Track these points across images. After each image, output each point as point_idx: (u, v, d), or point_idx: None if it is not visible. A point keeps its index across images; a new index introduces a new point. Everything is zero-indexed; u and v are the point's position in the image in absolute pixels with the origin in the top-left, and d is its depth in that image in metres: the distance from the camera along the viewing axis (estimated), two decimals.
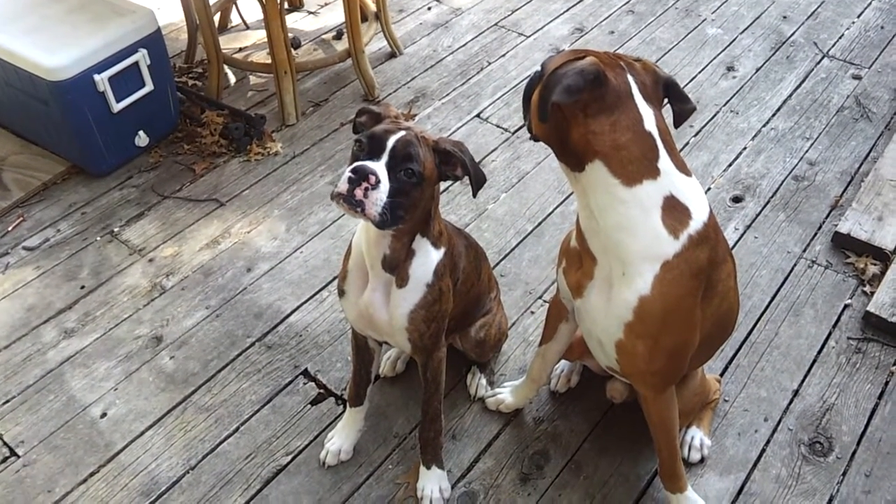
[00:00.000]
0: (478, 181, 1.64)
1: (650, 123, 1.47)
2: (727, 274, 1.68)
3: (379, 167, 1.52)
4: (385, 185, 1.52)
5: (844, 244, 2.62)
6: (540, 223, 2.76)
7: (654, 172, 1.47)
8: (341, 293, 1.84)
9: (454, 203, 2.86)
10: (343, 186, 1.51)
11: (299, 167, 3.04)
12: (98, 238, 2.76)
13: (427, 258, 1.72)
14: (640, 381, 1.74)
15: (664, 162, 1.48)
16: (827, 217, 2.75)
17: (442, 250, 1.74)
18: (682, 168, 1.52)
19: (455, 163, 1.62)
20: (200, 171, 3.01)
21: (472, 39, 3.71)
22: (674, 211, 1.50)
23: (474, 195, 1.65)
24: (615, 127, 1.45)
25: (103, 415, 2.23)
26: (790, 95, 3.31)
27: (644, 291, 1.53)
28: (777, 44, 3.61)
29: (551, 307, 1.98)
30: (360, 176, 1.51)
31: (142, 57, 2.86)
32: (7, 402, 2.26)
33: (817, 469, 2.05)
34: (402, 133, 1.55)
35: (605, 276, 1.60)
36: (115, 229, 2.79)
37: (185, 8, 3.39)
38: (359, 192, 1.51)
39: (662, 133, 1.49)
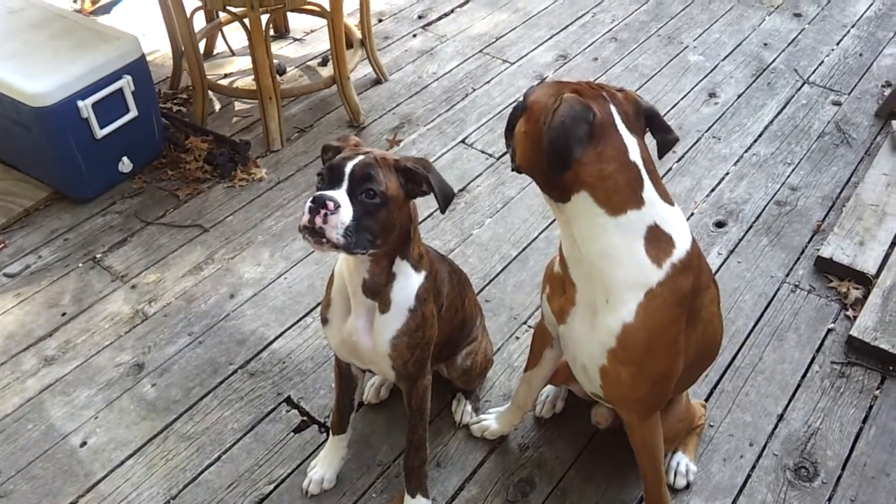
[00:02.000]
0: (444, 196, 1.62)
1: (635, 153, 1.48)
2: (710, 300, 1.68)
3: (339, 194, 1.54)
4: (346, 209, 1.53)
5: (827, 268, 2.63)
6: (524, 248, 2.76)
7: (638, 202, 1.48)
8: (324, 321, 1.83)
9: (439, 229, 2.86)
10: (305, 217, 1.53)
11: (284, 193, 3.03)
12: (80, 264, 2.74)
13: (408, 282, 1.71)
14: (625, 407, 1.73)
15: (648, 192, 1.49)
16: (809, 242, 2.77)
17: (423, 273, 1.74)
18: (665, 197, 1.53)
19: (419, 179, 1.62)
20: (184, 197, 3.00)
21: (457, 66, 3.74)
22: (657, 241, 1.51)
23: (442, 211, 1.65)
24: (601, 157, 1.45)
25: (83, 444, 2.20)
26: (771, 121, 3.35)
27: (628, 319, 1.53)
28: (758, 70, 3.65)
29: (536, 333, 1.98)
30: (318, 204, 1.52)
31: (126, 83, 2.86)
32: None
33: (803, 494, 2.04)
34: (360, 157, 1.57)
35: (588, 303, 1.60)
36: (98, 255, 2.77)
37: (170, 34, 3.39)
38: (318, 220, 1.52)
39: (646, 163, 1.50)
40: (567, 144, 1.42)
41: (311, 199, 1.53)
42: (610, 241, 1.49)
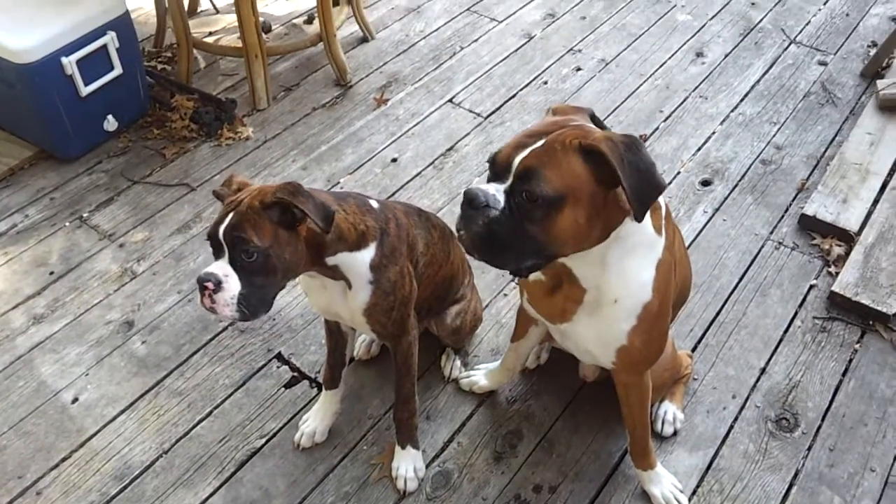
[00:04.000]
0: (322, 217, 1.50)
1: None
2: (680, 241, 1.72)
3: (221, 266, 1.51)
4: (232, 281, 1.50)
5: (810, 226, 2.66)
6: None
7: None
8: (305, 293, 1.85)
9: (427, 187, 2.86)
10: (199, 299, 1.53)
11: (271, 152, 3.02)
12: (67, 223, 2.73)
13: (354, 263, 1.68)
14: (631, 370, 1.75)
15: None
16: (793, 200, 2.80)
17: (371, 246, 1.69)
18: None
19: (291, 208, 1.51)
20: (171, 156, 2.99)
21: (445, 24, 3.71)
22: (655, 208, 1.51)
23: (325, 231, 1.52)
24: None
25: (74, 400, 2.21)
26: (758, 81, 3.36)
27: (647, 298, 1.55)
28: (745, 30, 3.65)
29: (520, 312, 1.99)
30: (201, 285, 1.50)
31: (110, 40, 2.83)
32: None
33: (783, 444, 2.09)
34: (228, 220, 1.50)
35: (597, 299, 1.57)
36: (85, 214, 2.76)
37: None
38: (206, 301, 1.51)
39: None
40: (659, 180, 1.34)
41: (196, 278, 1.52)
42: (632, 240, 1.48)
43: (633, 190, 1.29)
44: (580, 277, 1.54)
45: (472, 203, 1.36)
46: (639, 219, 1.34)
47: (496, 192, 1.35)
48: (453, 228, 2.09)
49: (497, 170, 1.39)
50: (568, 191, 1.31)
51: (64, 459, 2.08)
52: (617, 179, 1.29)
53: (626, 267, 1.50)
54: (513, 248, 1.37)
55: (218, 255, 1.53)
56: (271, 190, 1.52)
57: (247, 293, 1.51)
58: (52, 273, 2.56)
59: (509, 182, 1.35)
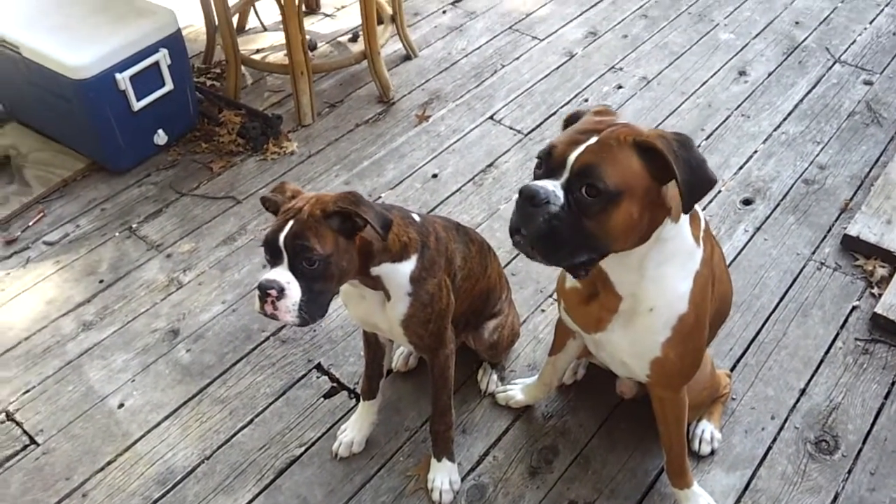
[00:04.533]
0: (382, 224, 1.56)
1: None
2: (719, 257, 1.72)
3: (280, 273, 1.53)
4: (293, 288, 1.53)
5: (853, 247, 2.63)
6: None
7: None
8: (345, 304, 1.89)
9: (467, 203, 2.89)
10: (257, 305, 1.55)
11: (314, 166, 3.08)
12: (117, 234, 2.81)
13: (395, 274, 1.71)
14: (666, 385, 1.75)
15: None
16: (836, 220, 2.77)
17: (413, 257, 1.72)
18: None
19: (353, 217, 1.56)
20: (218, 170, 3.06)
21: (487, 42, 3.75)
22: (693, 217, 1.53)
23: (383, 238, 1.60)
24: None
25: (121, 405, 2.28)
26: (801, 100, 3.33)
27: (683, 310, 1.56)
28: (789, 49, 3.63)
29: (558, 325, 2.00)
30: (263, 292, 1.53)
31: (162, 57, 2.92)
32: (27, 391, 2.31)
33: (823, 467, 2.07)
34: (289, 227, 1.53)
35: (632, 308, 1.58)
36: (134, 225, 2.84)
37: (205, 9, 3.45)
38: (268, 308, 1.54)
39: None
40: (711, 175, 1.37)
41: (257, 285, 1.54)
42: (671, 246, 1.49)
43: (686, 184, 1.32)
44: (616, 283, 1.55)
45: (532, 200, 1.35)
46: (686, 209, 1.37)
47: (555, 188, 1.36)
48: (491, 243, 2.14)
49: (552, 165, 1.39)
50: (625, 186, 1.34)
51: (109, 463, 2.14)
52: (670, 174, 1.33)
53: (663, 274, 1.51)
54: (570, 244, 1.38)
55: (276, 262, 1.55)
56: (331, 199, 1.56)
57: (307, 299, 1.54)
58: (101, 281, 2.64)
59: (565, 177, 1.36)
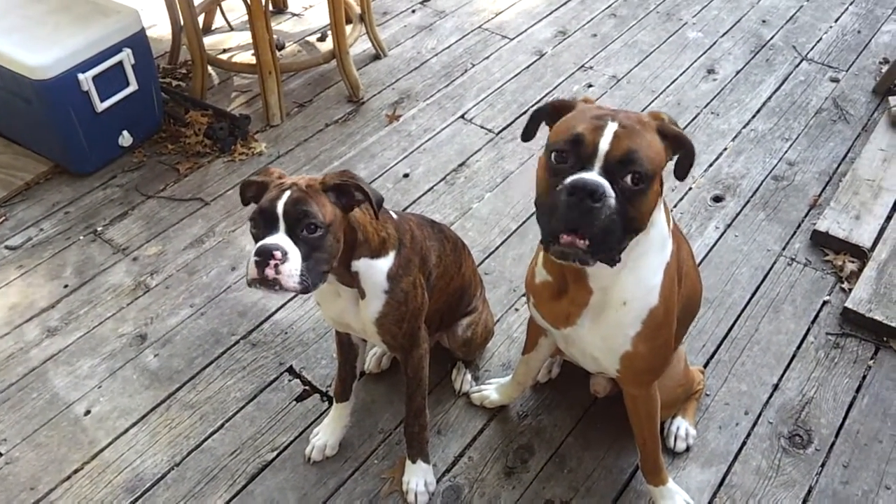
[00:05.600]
0: (377, 199, 1.58)
1: None
2: (687, 253, 1.72)
3: (280, 238, 1.50)
4: (295, 254, 1.49)
5: (823, 242, 2.66)
6: (524, 222, 2.78)
7: None
8: (318, 303, 1.86)
9: (439, 202, 2.87)
10: (253, 272, 1.49)
11: (284, 167, 3.04)
12: (81, 237, 2.75)
13: (373, 270, 1.70)
14: (635, 380, 1.74)
15: None
16: (806, 216, 2.79)
17: (391, 254, 1.72)
18: None
19: (350, 191, 1.57)
20: (184, 171, 3.01)
21: (456, 42, 3.74)
22: (665, 209, 1.54)
23: (375, 215, 1.62)
24: None
25: (87, 412, 2.22)
26: (769, 98, 3.36)
27: (654, 303, 1.56)
28: (756, 47, 3.66)
29: (530, 323, 2.00)
30: (265, 255, 1.48)
31: (126, 56, 2.87)
32: None
33: (797, 461, 2.08)
34: (288, 193, 1.51)
35: (600, 302, 1.57)
36: (99, 228, 2.78)
37: (169, 9, 3.39)
38: (269, 272, 1.48)
39: None
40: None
41: (254, 251, 1.49)
42: (654, 232, 1.49)
43: (691, 155, 1.43)
44: (592, 276, 1.53)
45: (593, 196, 1.29)
46: (681, 177, 1.45)
47: (601, 180, 1.31)
48: (465, 241, 2.12)
49: (586, 153, 1.33)
50: (658, 168, 1.37)
51: (76, 471, 2.09)
52: (676, 151, 1.42)
53: (640, 266, 1.51)
54: (620, 233, 1.36)
55: (268, 231, 1.51)
56: (327, 175, 1.58)
57: (305, 268, 1.51)
58: (66, 286, 2.58)
59: (600, 166, 1.32)
